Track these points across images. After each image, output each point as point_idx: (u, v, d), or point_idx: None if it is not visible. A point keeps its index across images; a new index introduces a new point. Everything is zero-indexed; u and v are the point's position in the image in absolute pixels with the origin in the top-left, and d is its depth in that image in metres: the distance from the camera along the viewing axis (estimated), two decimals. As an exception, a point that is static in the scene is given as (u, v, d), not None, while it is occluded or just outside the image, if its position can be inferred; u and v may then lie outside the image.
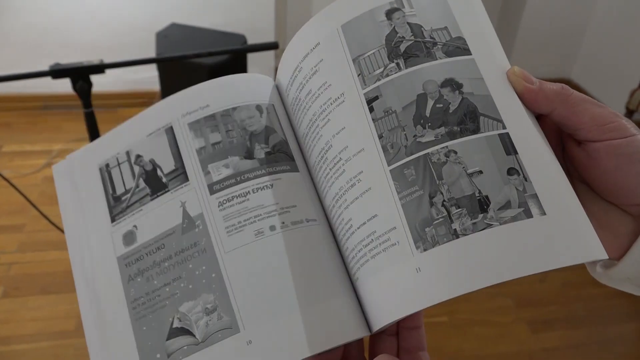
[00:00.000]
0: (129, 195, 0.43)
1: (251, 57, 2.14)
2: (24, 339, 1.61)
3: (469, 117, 0.36)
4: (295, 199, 0.40)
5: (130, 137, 0.44)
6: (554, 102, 0.35)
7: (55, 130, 2.59)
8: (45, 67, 1.24)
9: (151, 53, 2.14)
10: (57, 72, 1.24)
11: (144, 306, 0.39)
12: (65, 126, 2.60)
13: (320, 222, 0.40)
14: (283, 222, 0.39)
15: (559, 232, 0.32)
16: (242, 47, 1.44)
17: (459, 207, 0.34)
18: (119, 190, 0.43)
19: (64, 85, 1.34)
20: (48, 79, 1.26)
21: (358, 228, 0.37)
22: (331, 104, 0.39)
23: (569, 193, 0.34)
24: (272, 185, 0.40)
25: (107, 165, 0.44)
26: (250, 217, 0.39)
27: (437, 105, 0.36)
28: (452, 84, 0.36)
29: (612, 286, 0.37)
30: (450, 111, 0.36)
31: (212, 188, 0.40)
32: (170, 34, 2.12)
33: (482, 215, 0.33)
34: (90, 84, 1.29)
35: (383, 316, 0.36)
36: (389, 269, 0.35)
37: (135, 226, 0.41)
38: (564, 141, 0.38)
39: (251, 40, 2.15)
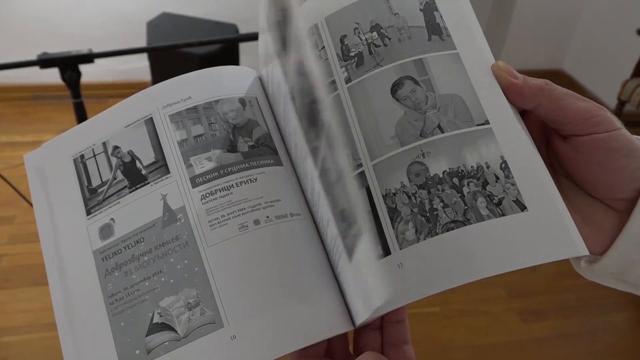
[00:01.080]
0: (105, 187, 0.41)
1: (243, 47, 2.12)
2: (15, 331, 1.60)
3: None
4: (279, 193, 0.40)
5: (107, 127, 0.43)
6: (539, 97, 0.35)
7: (45, 121, 2.57)
8: (33, 57, 1.23)
9: (142, 43, 2.12)
10: (45, 62, 1.22)
11: (122, 301, 0.38)
12: (56, 117, 2.58)
13: (304, 216, 0.40)
14: (267, 216, 0.39)
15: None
16: (234, 37, 1.43)
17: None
18: (95, 182, 0.42)
19: (54, 76, 1.33)
20: (38, 69, 1.25)
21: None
22: None
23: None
24: (256, 179, 0.40)
25: (82, 157, 0.43)
26: (234, 210, 0.38)
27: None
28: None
29: (595, 281, 0.37)
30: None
31: (195, 181, 0.39)
32: (161, 24, 2.10)
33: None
34: (79, 74, 1.27)
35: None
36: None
37: (112, 219, 0.40)
38: (548, 137, 0.38)
39: (243, 29, 2.14)
